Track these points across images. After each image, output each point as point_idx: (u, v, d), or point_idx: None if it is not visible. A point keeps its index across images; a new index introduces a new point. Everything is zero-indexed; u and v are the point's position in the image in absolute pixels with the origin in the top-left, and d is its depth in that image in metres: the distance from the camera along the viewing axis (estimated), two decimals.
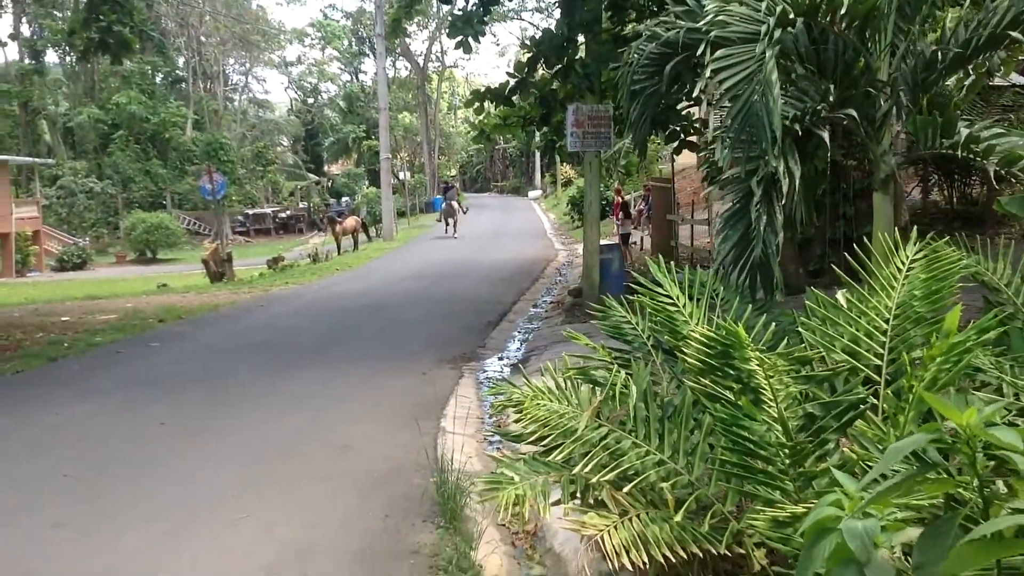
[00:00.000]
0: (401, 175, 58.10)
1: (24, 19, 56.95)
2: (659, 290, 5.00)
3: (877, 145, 5.99)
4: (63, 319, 17.38)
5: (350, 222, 37.63)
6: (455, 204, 40.60)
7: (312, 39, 77.81)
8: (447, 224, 39.52)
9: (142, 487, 6.92)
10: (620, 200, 26.24)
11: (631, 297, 5.39)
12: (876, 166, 6.11)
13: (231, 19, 65.33)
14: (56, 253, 46.14)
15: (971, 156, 5.31)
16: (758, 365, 4.03)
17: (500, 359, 12.22)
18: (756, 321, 4.85)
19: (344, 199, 55.85)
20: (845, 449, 4.15)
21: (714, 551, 4.11)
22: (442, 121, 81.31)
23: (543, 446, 4.88)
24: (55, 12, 53.37)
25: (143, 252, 48.20)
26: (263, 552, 5.52)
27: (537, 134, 17.17)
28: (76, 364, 12.42)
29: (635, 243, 26.12)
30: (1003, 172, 5.19)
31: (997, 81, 15.51)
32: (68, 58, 58.83)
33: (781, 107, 5.71)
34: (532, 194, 72.95)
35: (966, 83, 10.47)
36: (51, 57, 60.53)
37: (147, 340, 14.35)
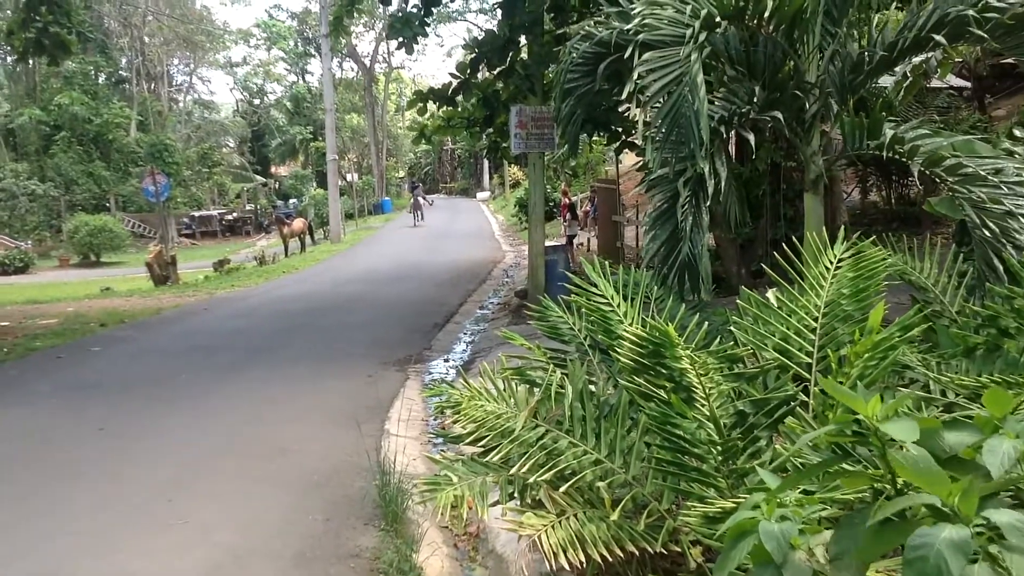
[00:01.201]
0: (349, 177, 57.83)
1: None
2: (594, 290, 5.04)
3: (807, 146, 6.10)
4: (2, 324, 17.09)
5: (298, 224, 37.40)
6: (421, 199, 49.27)
7: (257, 39, 77.09)
8: (415, 215, 47.60)
9: (76, 490, 6.87)
10: (567, 201, 26.36)
11: (568, 298, 5.44)
12: (806, 167, 6.22)
13: (174, 19, 64.56)
14: None
15: (896, 157, 5.42)
16: (689, 364, 4.09)
17: (446, 361, 12.22)
18: (689, 320, 4.92)
19: (292, 201, 55.52)
20: (778, 446, 4.22)
21: (651, 550, 4.16)
22: (390, 123, 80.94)
23: (481, 447, 4.91)
24: None
25: (87, 255, 47.37)
26: (199, 556, 5.50)
27: (483, 136, 17.19)
28: (14, 369, 12.22)
29: (581, 244, 26.23)
30: (927, 172, 5.31)
31: (936, 83, 15.83)
32: (8, 59, 57.81)
33: (710, 109, 5.79)
34: (481, 195, 72.92)
35: (904, 85, 10.66)
36: None
37: (88, 344, 14.16)
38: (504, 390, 4.95)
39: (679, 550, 4.23)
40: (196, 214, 59.73)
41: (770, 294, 4.88)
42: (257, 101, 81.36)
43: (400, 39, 13.68)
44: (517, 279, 21.95)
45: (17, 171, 53.32)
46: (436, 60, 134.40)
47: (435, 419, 9.15)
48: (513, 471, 4.48)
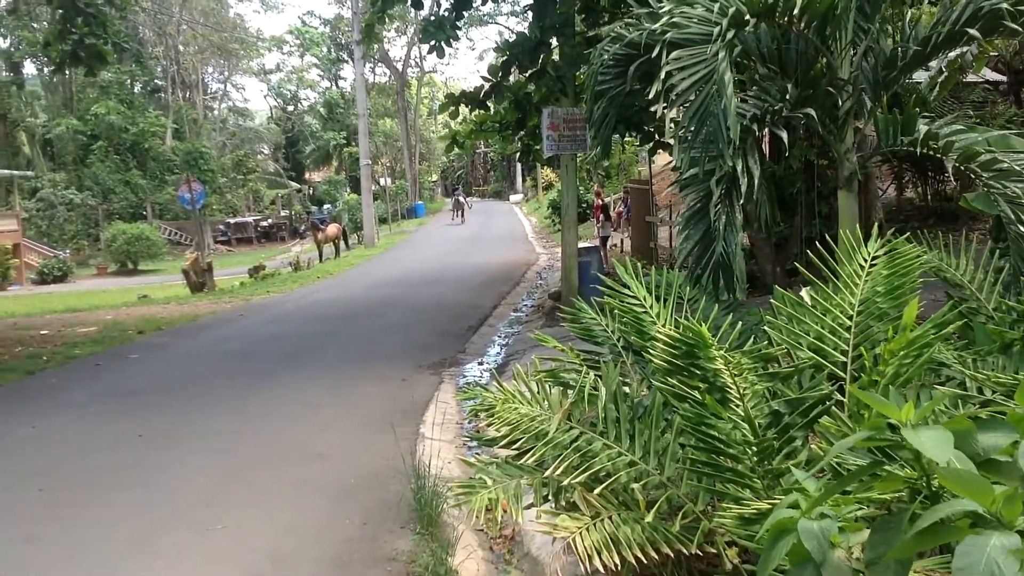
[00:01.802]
0: (382, 181, 58.05)
1: (1, 31, 56.68)
2: (626, 292, 5.03)
3: (840, 143, 6.04)
4: (42, 332, 17.30)
5: (332, 229, 37.61)
6: (462, 199, 56.65)
7: (291, 46, 77.61)
8: (456, 214, 54.42)
9: (116, 498, 6.92)
10: (600, 202, 26.29)
11: (601, 299, 5.43)
12: (840, 164, 6.17)
13: (209, 27, 65.13)
14: (37, 266, 45.82)
15: (930, 153, 5.37)
16: (723, 364, 4.07)
17: (480, 364, 12.23)
18: (723, 320, 4.89)
19: (326, 206, 55.77)
20: (814, 446, 4.19)
21: (686, 551, 4.14)
22: (422, 126, 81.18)
23: (515, 450, 4.91)
24: (33, 24, 53.09)
25: (124, 263, 47.94)
26: (238, 561, 5.54)
27: (515, 139, 17.18)
28: (54, 377, 12.37)
29: (615, 245, 26.17)
30: (962, 168, 5.25)
31: (971, 78, 15.65)
32: (46, 69, 58.53)
33: (741, 107, 5.76)
34: (513, 198, 72.96)
35: (938, 80, 10.54)
36: (29, 68, 60.37)
37: (126, 352, 14.31)
38: (538, 392, 4.95)
39: (714, 551, 4.21)
40: (232, 221, 60.21)
41: (804, 293, 4.84)
42: (291, 107, 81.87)
43: (432, 43, 13.71)
44: (551, 281, 21.94)
45: (55, 181, 54.05)
46: (468, 63, 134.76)
47: (469, 422, 9.15)
48: (548, 473, 4.48)
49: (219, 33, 66.29)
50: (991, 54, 17.26)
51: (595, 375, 4.91)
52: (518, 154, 17.99)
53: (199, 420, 9.34)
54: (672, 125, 6.84)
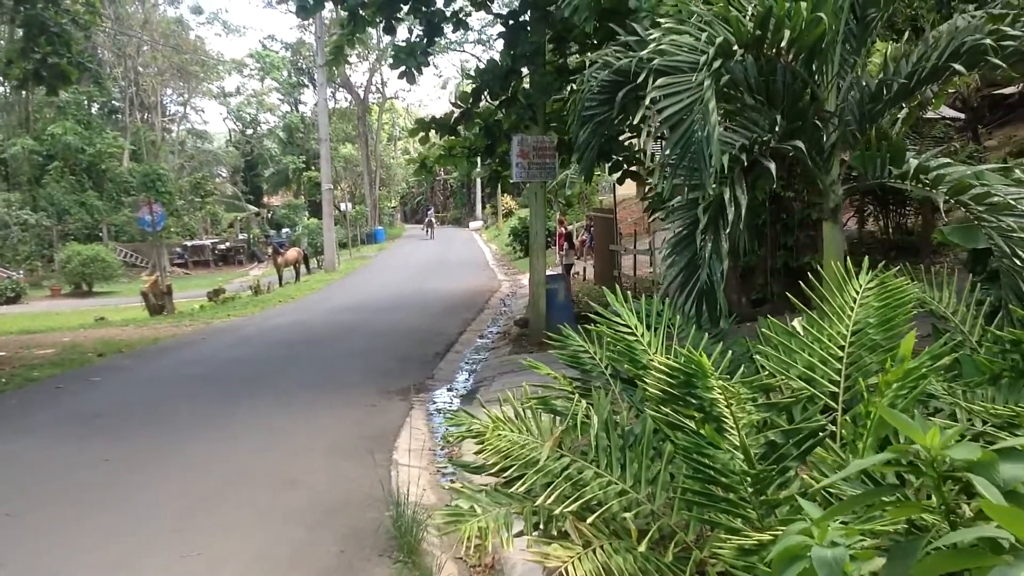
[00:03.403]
0: (342, 206, 57.84)
1: None
2: (617, 320, 5.01)
3: (826, 175, 6.09)
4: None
5: (292, 253, 37.38)
6: (432, 220, 67.46)
7: (251, 69, 77.30)
8: (428, 231, 65.15)
9: (85, 523, 6.76)
10: (563, 231, 26.40)
11: (588, 327, 5.41)
12: (825, 195, 6.21)
13: (169, 49, 64.70)
14: None
15: (920, 186, 5.42)
16: (720, 393, 4.06)
17: (449, 390, 12.16)
18: (712, 349, 4.89)
19: (284, 230, 55.48)
20: (804, 476, 4.19)
21: None
22: (383, 152, 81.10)
23: (503, 477, 4.86)
24: None
25: (79, 285, 47.23)
26: None
27: (480, 165, 17.19)
28: (13, 399, 12.13)
29: (577, 273, 26.26)
30: (952, 202, 5.30)
31: (930, 114, 15.92)
32: (1, 89, 57.84)
33: (729, 136, 5.79)
34: (473, 225, 73.04)
35: (900, 116, 10.70)
36: None
37: (87, 374, 14.06)
38: (527, 419, 4.91)
39: None
40: (189, 243, 59.63)
41: (795, 323, 4.85)
42: (250, 131, 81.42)
43: (403, 68, 13.71)
44: (515, 308, 21.93)
45: (9, 200, 53.19)
46: (429, 90, 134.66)
47: (443, 448, 9.10)
48: (539, 502, 4.43)
49: (179, 55, 65.86)
50: (950, 91, 17.60)
51: (586, 403, 4.87)
52: (486, 180, 17.98)
53: (165, 445, 9.16)
54: (650, 153, 6.85)
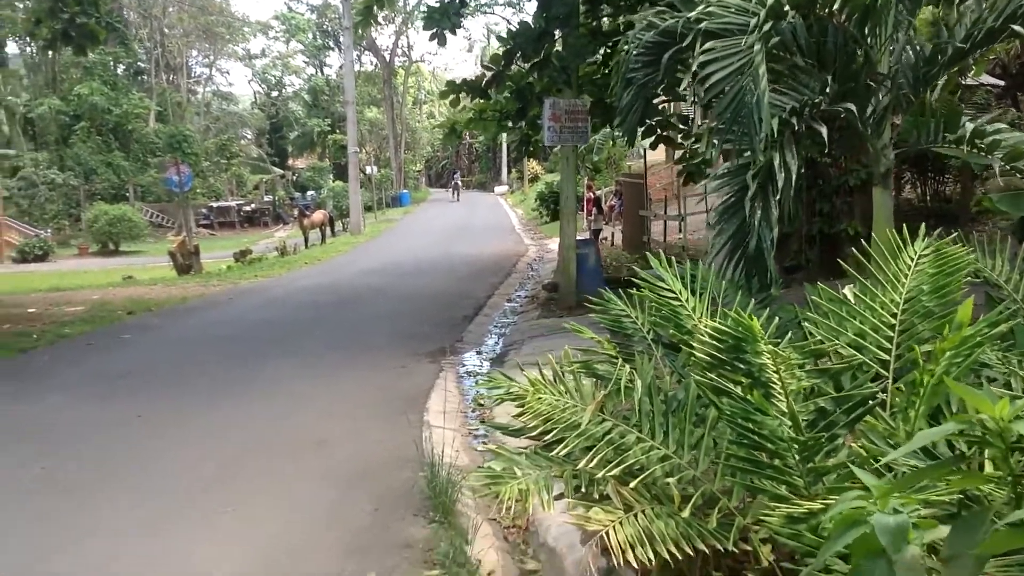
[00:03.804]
0: (368, 169, 57.75)
1: None
2: (661, 284, 4.91)
3: (877, 139, 5.95)
4: (29, 311, 17.07)
5: (318, 215, 37.41)
6: (459, 183, 70.32)
7: (276, 32, 77.24)
8: (453, 193, 67.94)
9: (118, 481, 6.77)
10: (592, 196, 26.22)
11: (628, 291, 5.33)
12: (875, 160, 6.07)
13: (195, 10, 64.58)
14: (17, 244, 45.45)
15: (976, 151, 5.29)
16: (770, 359, 3.98)
17: (479, 353, 12.11)
18: (759, 315, 4.80)
19: (309, 193, 55.51)
20: (852, 444, 4.11)
21: (721, 547, 4.05)
22: (408, 116, 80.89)
23: (543, 441, 4.81)
24: (16, 3, 52.44)
25: (105, 244, 47.53)
26: (251, 548, 5.40)
27: (510, 129, 17.03)
28: (46, 356, 12.19)
29: (605, 238, 26.11)
30: (1008, 167, 5.17)
31: (968, 80, 15.65)
32: (28, 49, 58.00)
33: (779, 99, 5.66)
34: (498, 189, 72.89)
35: (939, 83, 10.52)
36: (11, 48, 59.79)
37: (117, 332, 14.12)
38: (569, 383, 4.84)
39: (747, 548, 4.12)
40: (214, 205, 59.83)
41: (847, 290, 4.75)
42: (275, 93, 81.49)
43: (435, 29, 13.57)
44: (542, 272, 21.85)
45: (37, 160, 53.54)
46: (456, 53, 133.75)
47: (474, 411, 9.07)
48: (580, 465, 4.37)
49: (205, 16, 65.74)
50: (989, 57, 17.28)
51: (629, 368, 4.80)
52: (516, 144, 17.83)
53: (196, 404, 9.16)
54: (690, 118, 6.70)
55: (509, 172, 75.92)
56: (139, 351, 12.43)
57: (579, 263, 14.97)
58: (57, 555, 5.40)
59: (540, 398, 4.74)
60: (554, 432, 4.63)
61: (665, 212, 21.09)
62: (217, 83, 78.53)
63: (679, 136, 14.97)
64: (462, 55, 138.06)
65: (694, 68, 5.50)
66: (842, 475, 3.97)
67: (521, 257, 26.50)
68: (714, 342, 4.14)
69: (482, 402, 9.35)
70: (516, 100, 15.20)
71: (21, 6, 49.32)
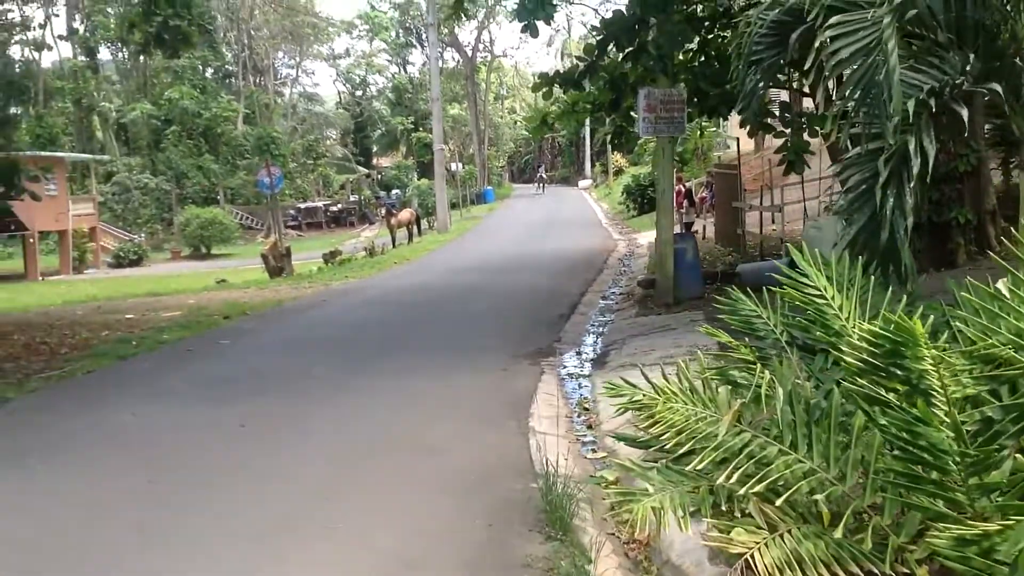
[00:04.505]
0: (453, 166, 57.85)
1: (78, 16, 57.53)
2: (806, 282, 4.55)
3: (1023, 120, 5.52)
4: (127, 317, 17.25)
5: (405, 214, 37.46)
6: (544, 176, 76.19)
7: (360, 31, 77.87)
8: (540, 186, 72.75)
9: (226, 492, 6.58)
10: (682, 188, 25.72)
11: (777, 289, 4.99)
12: (1022, 142, 5.63)
13: (282, 11, 65.40)
14: (112, 249, 46.55)
15: None
16: (932, 364, 3.62)
17: (578, 353, 11.80)
18: (909, 315, 4.44)
19: (394, 191, 55.84)
20: (1018, 456, 3.73)
21: (877, 571, 3.73)
22: (491, 112, 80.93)
23: (667, 451, 4.51)
24: (108, 9, 53.78)
25: (197, 247, 48.42)
26: (368, 564, 5.18)
27: (608, 120, 16.68)
28: (146, 363, 12.20)
29: (697, 232, 25.60)
30: None
31: None
32: (120, 55, 59.41)
33: (915, 78, 5.26)
34: (582, 183, 72.51)
35: None
36: (104, 54, 61.29)
37: (215, 337, 14.12)
38: (703, 391, 4.52)
39: (906, 571, 3.78)
40: (302, 205, 60.61)
41: (1000, 284, 4.34)
42: (359, 92, 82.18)
43: (528, 21, 13.29)
44: (635, 268, 21.47)
45: (130, 165, 54.86)
46: (538, 46, 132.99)
47: (580, 416, 8.80)
48: (720, 481, 4.07)
49: (291, 17, 66.53)
50: None
51: (769, 374, 4.47)
52: (610, 136, 17.45)
53: (301, 410, 8.99)
54: (824, 99, 6.31)
55: (593, 166, 75.48)
56: (238, 356, 12.38)
57: (677, 258, 14.55)
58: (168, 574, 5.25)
59: (672, 408, 4.44)
60: (689, 444, 4.33)
61: (761, 203, 20.52)
62: (303, 84, 79.53)
63: (782, 124, 14.45)
64: (543, 49, 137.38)
65: (817, 44, 5.14)
66: (1013, 492, 3.62)
67: (611, 252, 26.12)
68: (868, 346, 3.80)
69: (587, 407, 9.08)
70: (610, 91, 14.84)
71: (112, 12, 50.70)
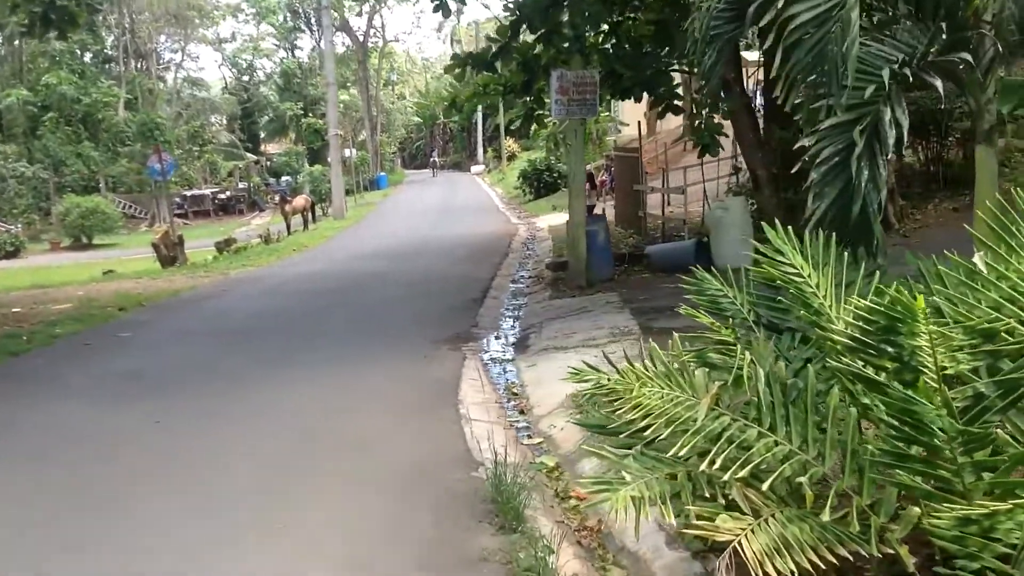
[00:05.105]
0: (346, 152, 57.02)
1: None
2: (781, 259, 4.39)
3: (982, 93, 5.49)
4: (14, 310, 16.31)
5: (300, 201, 36.77)
6: (437, 160, 78.20)
7: (246, 14, 76.14)
8: (433, 171, 74.46)
9: (154, 497, 6.14)
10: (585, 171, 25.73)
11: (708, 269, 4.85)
12: (979, 116, 5.60)
13: None
14: None
15: None
16: (928, 341, 3.51)
17: (497, 338, 11.63)
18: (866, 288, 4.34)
19: (284, 178, 54.82)
20: (999, 432, 3.66)
21: (864, 552, 3.62)
22: (382, 97, 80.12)
23: (641, 438, 4.33)
24: None
25: (78, 238, 46.57)
26: (319, 570, 4.87)
27: (519, 102, 16.53)
28: (39, 358, 11.48)
29: (598, 214, 25.65)
30: None
31: None
32: None
33: (884, 51, 5.20)
34: (475, 169, 72.40)
35: None
36: None
37: (113, 330, 13.45)
38: (680, 373, 4.35)
39: (890, 551, 3.69)
40: (188, 193, 58.97)
41: (977, 259, 4.27)
42: (246, 77, 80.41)
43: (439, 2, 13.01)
44: (539, 252, 21.40)
45: (5, 153, 52.40)
46: (428, 32, 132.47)
47: (509, 400, 8.62)
48: (703, 467, 3.90)
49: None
50: None
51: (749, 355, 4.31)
52: (520, 120, 17.30)
53: (217, 406, 8.52)
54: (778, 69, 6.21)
55: (485, 151, 75.38)
56: (142, 350, 11.79)
57: (588, 241, 14.46)
58: None
59: (646, 392, 4.24)
60: (668, 430, 4.14)
61: (663, 185, 20.60)
62: (187, 69, 77.23)
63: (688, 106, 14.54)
64: (433, 35, 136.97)
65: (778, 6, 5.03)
66: (1005, 469, 3.54)
67: (513, 236, 26.00)
68: (864, 323, 3.67)
69: (516, 391, 8.91)
70: (522, 72, 14.66)
71: None
